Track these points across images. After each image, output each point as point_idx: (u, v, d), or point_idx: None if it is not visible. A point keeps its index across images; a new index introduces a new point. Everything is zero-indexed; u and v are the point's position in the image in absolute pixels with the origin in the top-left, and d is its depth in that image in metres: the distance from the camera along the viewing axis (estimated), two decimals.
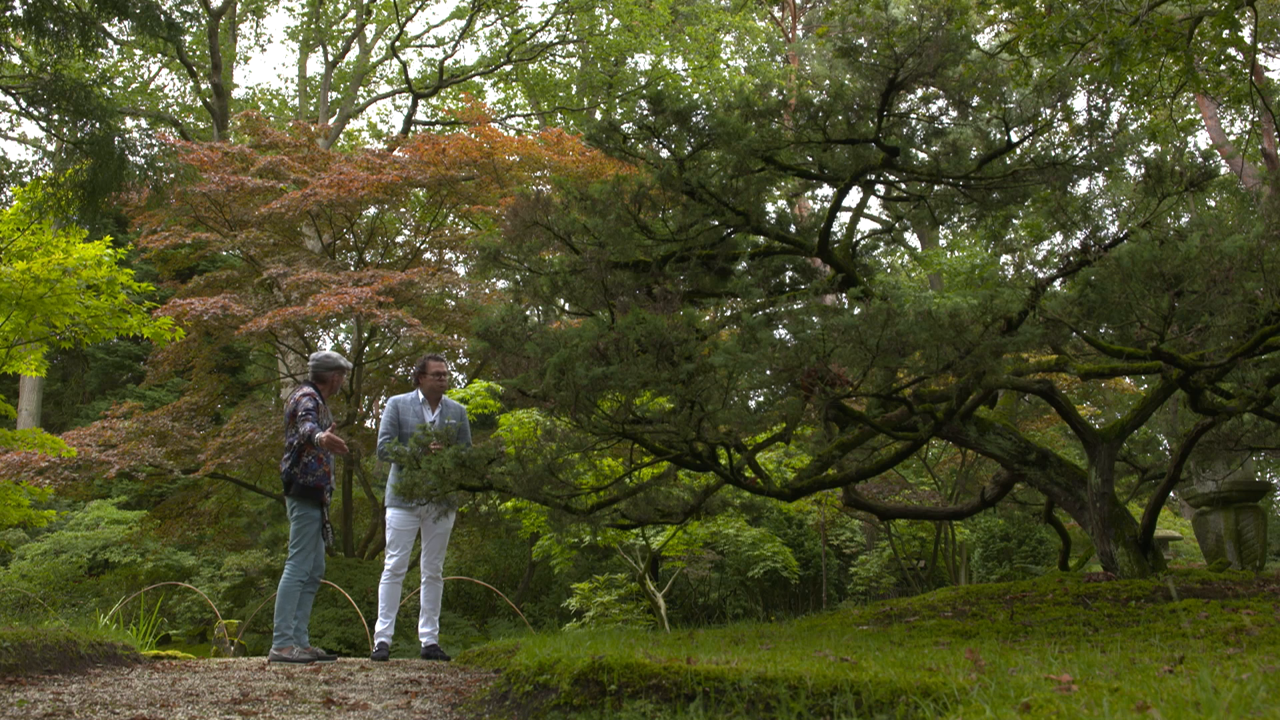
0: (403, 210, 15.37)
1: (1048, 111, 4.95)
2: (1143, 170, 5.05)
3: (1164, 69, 7.58)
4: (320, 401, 5.78)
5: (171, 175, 6.60)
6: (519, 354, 4.48)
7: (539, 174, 14.06)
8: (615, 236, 4.94)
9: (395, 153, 14.30)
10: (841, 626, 4.76)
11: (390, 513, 6.07)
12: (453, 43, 23.73)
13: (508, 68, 22.82)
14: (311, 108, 25.21)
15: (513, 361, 4.57)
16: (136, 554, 15.20)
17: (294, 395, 5.81)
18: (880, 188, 5.87)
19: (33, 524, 8.90)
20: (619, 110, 22.41)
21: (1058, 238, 7.52)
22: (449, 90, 23.24)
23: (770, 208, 5.71)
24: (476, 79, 23.65)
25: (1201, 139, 20.44)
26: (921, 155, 5.31)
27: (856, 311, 4.50)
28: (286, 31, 28.55)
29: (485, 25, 23.76)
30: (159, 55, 23.07)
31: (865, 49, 4.86)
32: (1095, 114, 5.02)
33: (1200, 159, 5.07)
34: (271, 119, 21.28)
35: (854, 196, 6.80)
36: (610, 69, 23.05)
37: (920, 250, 20.11)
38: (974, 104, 5.08)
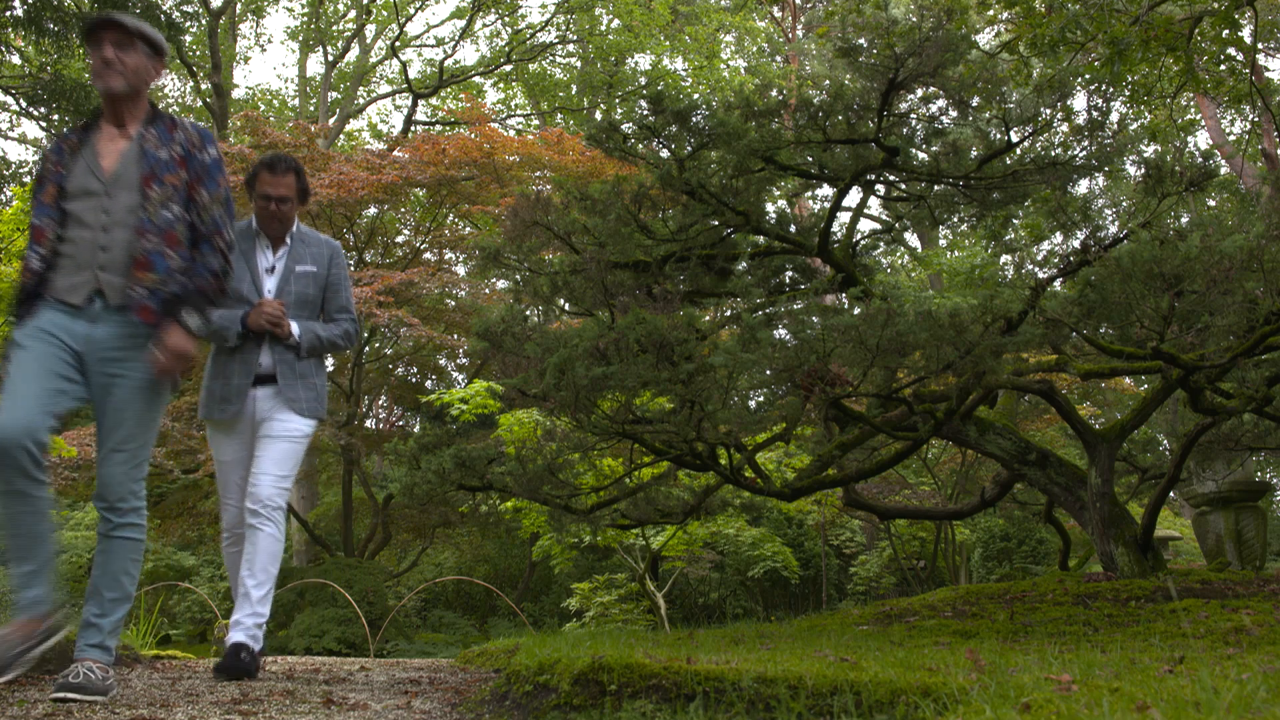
0: (403, 210, 15.36)
1: (1048, 111, 4.96)
2: (1143, 170, 5.05)
3: (1164, 69, 7.57)
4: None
5: None
6: (519, 354, 4.49)
7: (539, 174, 14.05)
8: (615, 236, 4.95)
9: (395, 153, 14.29)
10: (841, 626, 4.75)
11: (209, 437, 3.87)
12: (453, 43, 23.72)
13: (508, 68, 22.81)
14: (311, 108, 25.18)
15: (513, 361, 4.57)
16: None
17: None
18: (880, 188, 5.88)
19: None
20: (619, 110, 22.38)
21: (1058, 238, 7.52)
22: (449, 90, 23.22)
23: (770, 208, 5.71)
24: (476, 79, 23.63)
25: (1201, 139, 20.42)
26: (921, 155, 5.31)
27: (856, 311, 4.50)
28: (286, 31, 28.56)
29: (485, 25, 23.75)
30: None
31: (865, 49, 4.87)
32: (1095, 114, 5.02)
33: (1200, 159, 5.07)
34: (271, 119, 21.27)
35: (854, 196, 6.82)
36: (610, 69, 23.04)
37: (920, 250, 20.08)
38: (974, 104, 5.08)
